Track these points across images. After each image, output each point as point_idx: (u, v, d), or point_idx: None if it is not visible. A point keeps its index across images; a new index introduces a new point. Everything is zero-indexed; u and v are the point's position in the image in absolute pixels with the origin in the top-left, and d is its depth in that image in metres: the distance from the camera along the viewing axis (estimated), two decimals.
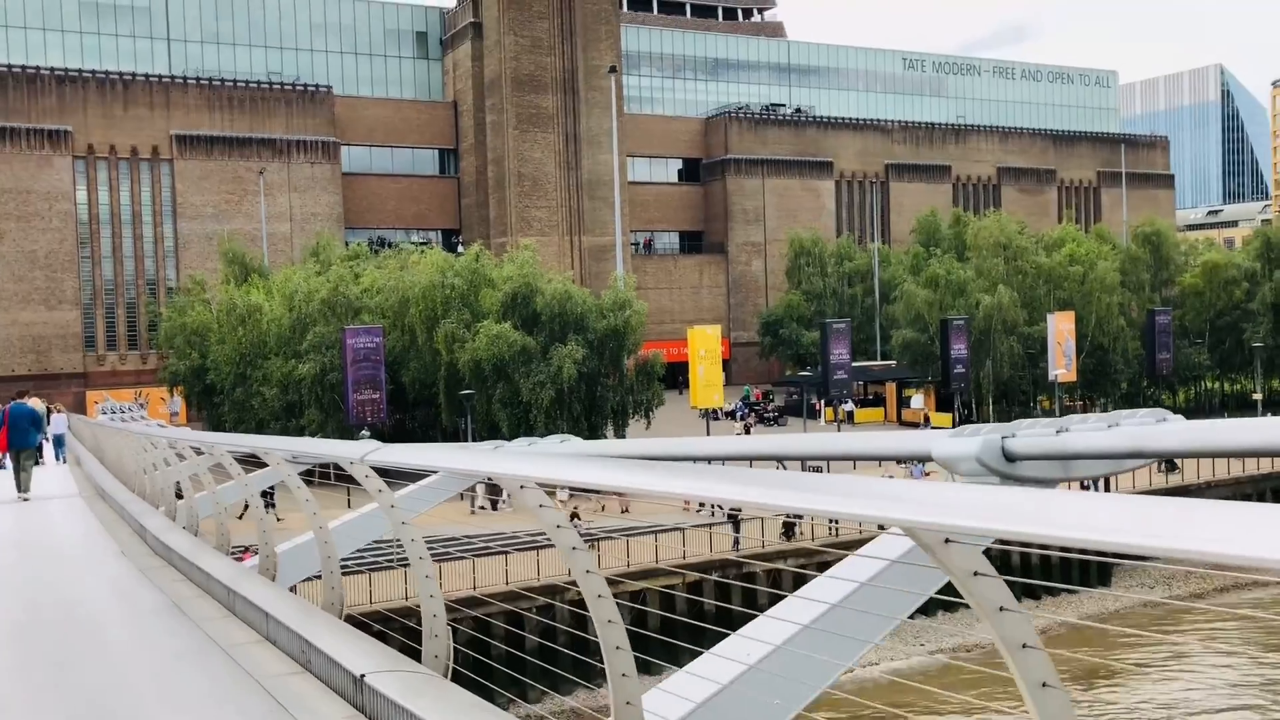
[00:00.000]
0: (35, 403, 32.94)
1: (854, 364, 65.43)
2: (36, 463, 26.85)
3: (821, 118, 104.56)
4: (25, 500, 20.67)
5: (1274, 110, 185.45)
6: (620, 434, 48.10)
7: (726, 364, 75.22)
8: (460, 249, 71.92)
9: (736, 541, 34.85)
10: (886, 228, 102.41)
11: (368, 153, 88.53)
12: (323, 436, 45.25)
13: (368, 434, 43.02)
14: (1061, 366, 60.67)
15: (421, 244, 71.56)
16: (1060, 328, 60.66)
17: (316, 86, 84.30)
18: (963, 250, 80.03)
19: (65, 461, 34.20)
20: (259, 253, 71.22)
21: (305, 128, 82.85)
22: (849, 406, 65.89)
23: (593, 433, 47.09)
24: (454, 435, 52.31)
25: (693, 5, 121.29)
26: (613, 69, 76.56)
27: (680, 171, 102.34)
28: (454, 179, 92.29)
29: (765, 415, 67.70)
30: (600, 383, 46.34)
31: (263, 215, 77.63)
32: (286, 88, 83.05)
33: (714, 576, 33.07)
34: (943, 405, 64.78)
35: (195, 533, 12.86)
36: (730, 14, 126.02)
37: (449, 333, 47.53)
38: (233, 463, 11.11)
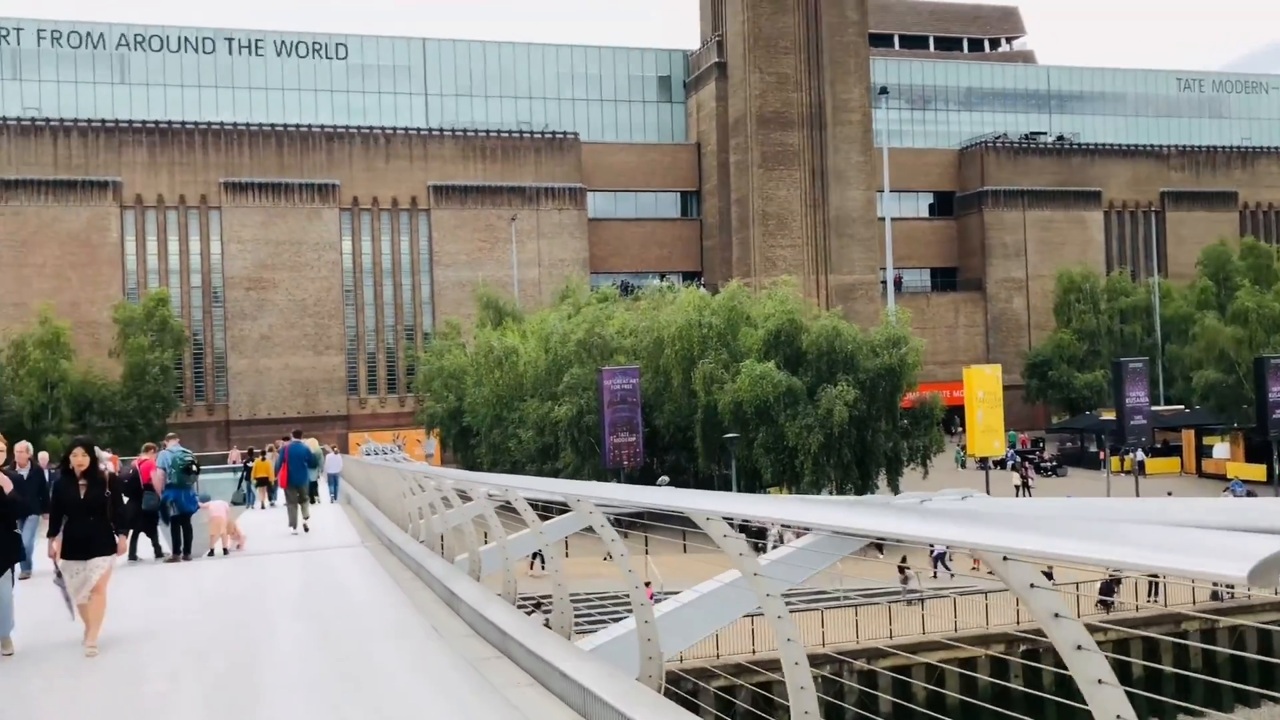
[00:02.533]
0: (312, 443, 33.08)
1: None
2: (311, 500, 27.16)
3: (1087, 145, 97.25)
4: (301, 533, 21.57)
5: None
6: (894, 484, 44.29)
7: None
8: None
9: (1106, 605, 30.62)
10: (1163, 260, 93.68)
11: (612, 197, 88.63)
12: (579, 480, 43.84)
13: (667, 480, 41.06)
14: None
15: (666, 288, 70.22)
16: None
17: (564, 134, 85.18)
18: (1265, 282, 71.57)
19: (336, 499, 34.12)
20: (511, 298, 71.78)
21: (553, 175, 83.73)
22: (1139, 456, 59.20)
23: (864, 482, 43.57)
24: (709, 482, 49.92)
25: (936, 39, 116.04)
26: (884, 90, 73.70)
27: (931, 205, 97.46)
28: (696, 221, 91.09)
29: (1042, 465, 61.84)
30: (871, 426, 42.77)
31: (514, 261, 78.57)
32: (535, 136, 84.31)
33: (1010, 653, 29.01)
34: (1253, 455, 57.13)
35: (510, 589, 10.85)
36: (976, 45, 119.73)
37: (707, 373, 45.27)
38: (527, 508, 9.67)
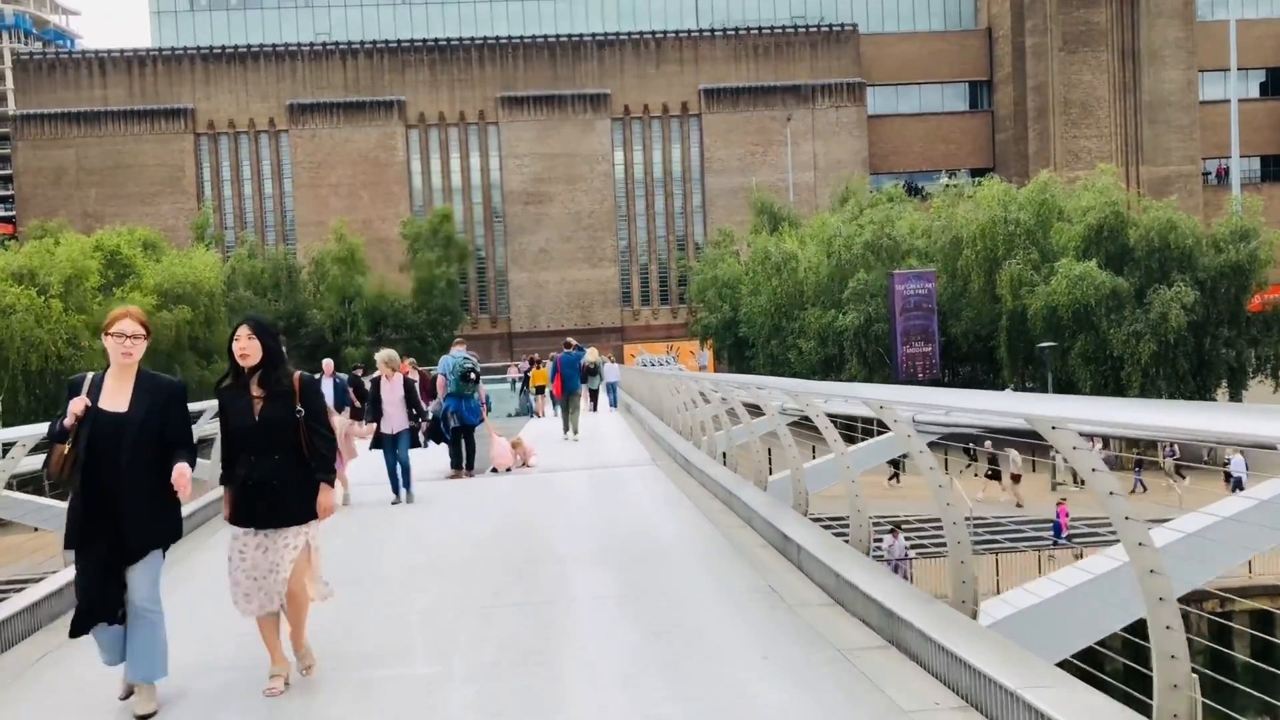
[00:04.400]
0: (592, 353, 32.05)
1: None
2: (593, 405, 28.33)
3: None
4: (572, 439, 21.19)
5: None
6: (1237, 399, 38.56)
7: None
8: None
9: None
10: None
11: (893, 92, 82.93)
12: None
13: (1013, 387, 37.49)
14: None
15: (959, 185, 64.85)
16: None
17: (840, 26, 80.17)
18: None
19: (616, 407, 33.12)
20: (786, 203, 68.62)
21: (830, 71, 79.14)
22: None
23: (1201, 396, 38.12)
24: None
25: None
26: None
27: (1263, 84, 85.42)
28: (987, 113, 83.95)
29: None
30: (1211, 333, 37.13)
31: (789, 164, 75.18)
32: (810, 30, 79.82)
33: None
34: None
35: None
36: None
37: (1014, 276, 40.76)
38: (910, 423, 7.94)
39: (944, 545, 6.00)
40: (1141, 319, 36.45)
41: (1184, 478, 31.10)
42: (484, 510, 12.88)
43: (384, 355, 13.86)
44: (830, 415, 9.62)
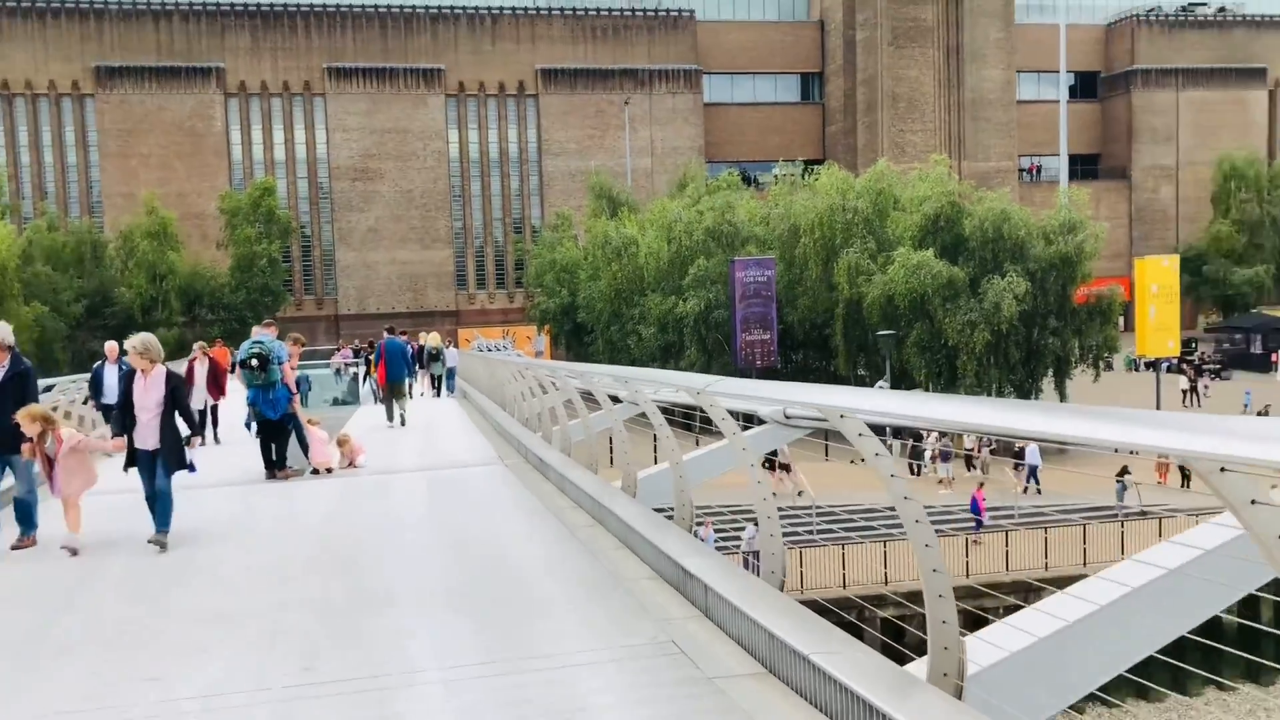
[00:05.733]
0: (434, 337, 30.63)
1: None
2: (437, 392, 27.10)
3: (1252, 16, 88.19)
4: (398, 426, 20.35)
5: None
6: (1061, 388, 39.99)
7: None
8: None
9: None
10: None
11: (729, 81, 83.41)
12: None
13: (886, 384, 37.40)
14: None
15: (794, 174, 65.52)
16: None
17: (679, 12, 79.95)
18: None
19: (454, 393, 31.67)
20: (625, 188, 67.96)
21: (667, 56, 78.89)
22: None
23: (1031, 384, 39.37)
24: (846, 384, 46.13)
25: None
26: None
27: (1072, 87, 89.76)
28: (819, 105, 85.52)
29: (1204, 367, 56.52)
30: (1040, 323, 38.36)
31: (627, 149, 74.58)
32: (648, 15, 79.30)
33: None
34: None
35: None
36: None
37: (852, 264, 41.17)
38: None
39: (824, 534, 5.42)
40: (976, 308, 37.31)
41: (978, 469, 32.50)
42: (297, 529, 10.35)
43: (136, 342, 9.53)
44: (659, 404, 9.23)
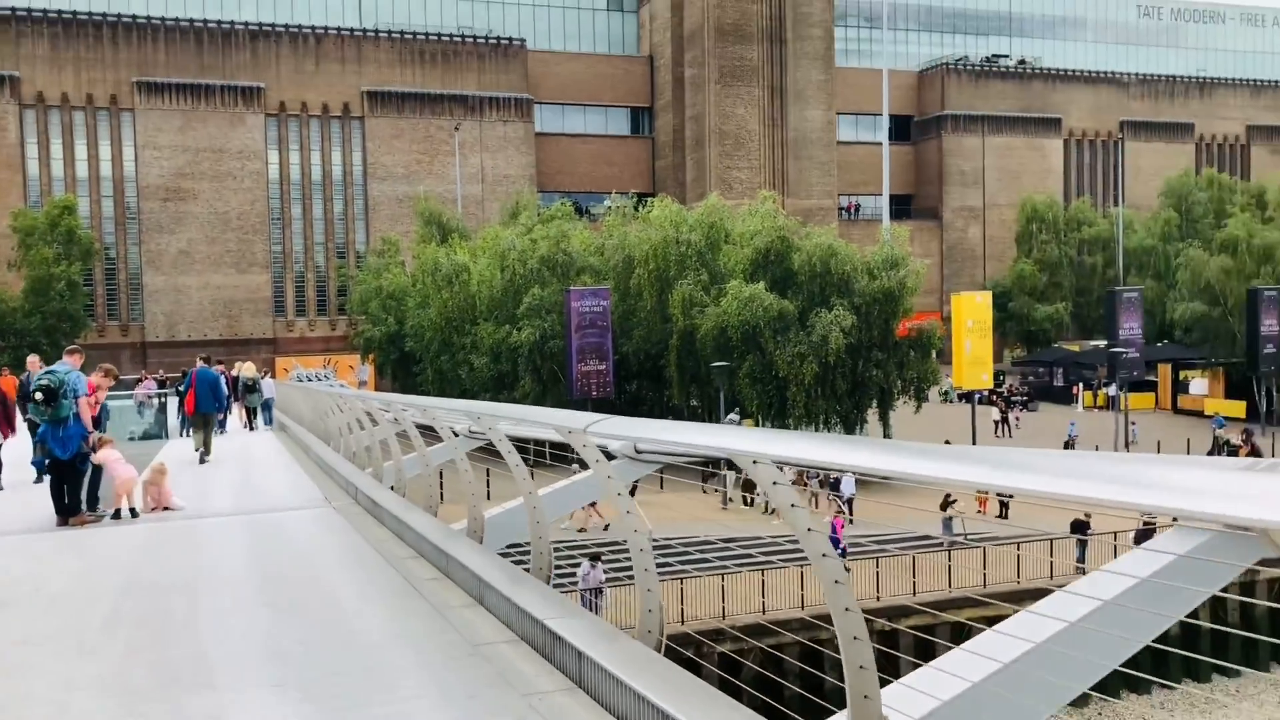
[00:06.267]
0: (249, 367, 29.07)
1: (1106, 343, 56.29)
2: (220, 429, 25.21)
3: (1049, 70, 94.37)
4: (208, 461, 19.33)
5: None
6: (885, 419, 41.10)
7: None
8: None
9: (1082, 557, 27.42)
10: (1119, 191, 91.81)
11: (560, 111, 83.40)
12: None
13: (737, 418, 37.10)
14: None
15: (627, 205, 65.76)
16: None
17: (510, 40, 79.49)
18: (1222, 217, 70.19)
19: (271, 425, 30.07)
20: (455, 214, 66.69)
21: (498, 84, 78.22)
22: (1112, 391, 56.98)
23: (857, 414, 40.28)
24: (680, 415, 46.13)
25: None
26: None
27: (889, 130, 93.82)
28: (649, 139, 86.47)
29: (1012, 399, 59.40)
30: (864, 356, 39.34)
31: (457, 175, 73.35)
32: (479, 41, 78.51)
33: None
34: (1233, 391, 55.26)
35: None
36: None
37: (686, 295, 41.32)
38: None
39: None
40: (805, 341, 37.94)
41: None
42: (92, 587, 8.82)
43: None
44: (518, 439, 8.65)
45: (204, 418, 20.64)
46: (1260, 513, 2.68)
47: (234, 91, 71.58)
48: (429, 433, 11.89)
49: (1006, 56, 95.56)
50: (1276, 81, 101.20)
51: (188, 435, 25.10)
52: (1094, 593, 4.65)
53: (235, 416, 30.22)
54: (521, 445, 9.35)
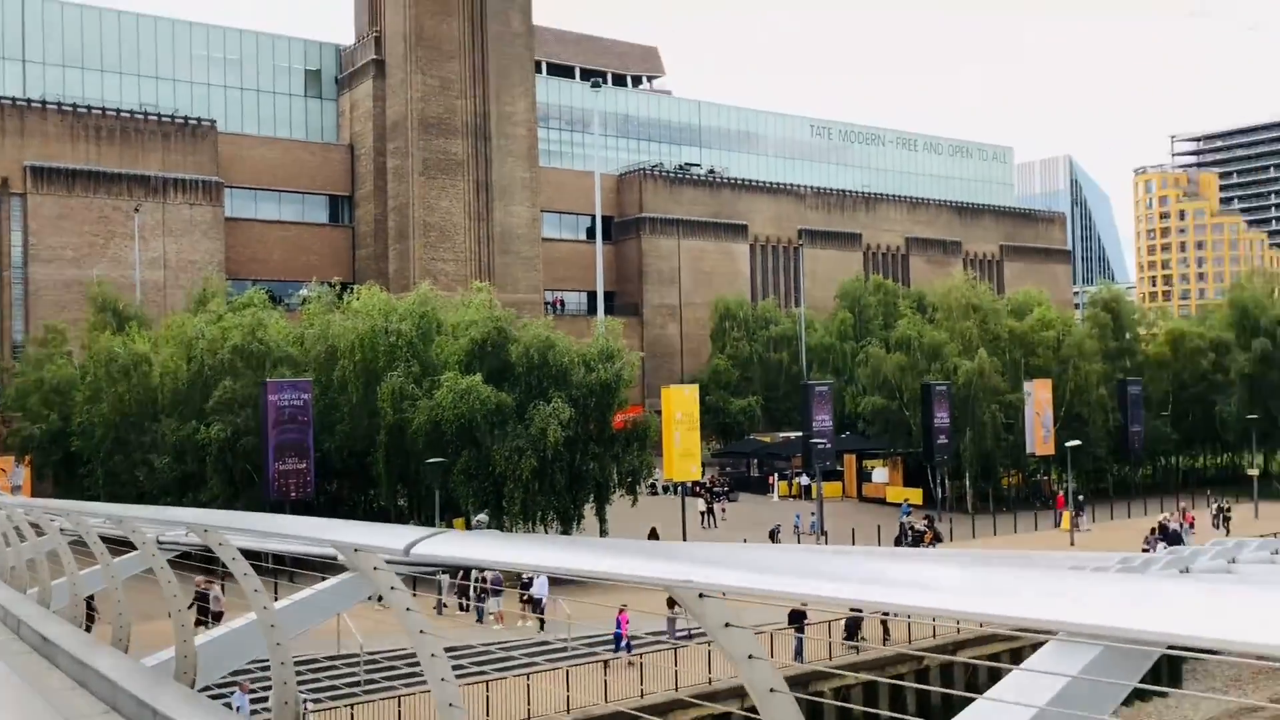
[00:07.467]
0: None
1: (796, 435, 59.63)
2: None
3: (736, 179, 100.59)
4: None
5: (1136, 196, 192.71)
6: (601, 513, 40.71)
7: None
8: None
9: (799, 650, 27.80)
10: (800, 293, 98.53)
11: (253, 196, 79.46)
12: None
13: (486, 520, 34.49)
14: (1040, 438, 56.42)
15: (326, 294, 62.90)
16: (1039, 396, 56.47)
17: (199, 120, 75.08)
18: (890, 318, 76.90)
19: None
20: (133, 301, 61.17)
21: (185, 165, 73.42)
22: (804, 480, 59.94)
23: (575, 509, 39.65)
24: (386, 516, 43.66)
25: (583, 70, 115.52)
26: None
27: (589, 229, 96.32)
28: (349, 228, 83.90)
29: (716, 490, 61.12)
30: (582, 449, 38.96)
31: (136, 259, 67.61)
32: (164, 120, 73.59)
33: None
34: (910, 479, 59.54)
35: None
36: (620, 80, 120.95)
37: (396, 388, 39.48)
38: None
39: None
40: (523, 434, 37.09)
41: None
42: None
43: None
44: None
45: None
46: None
47: None
48: (122, 543, 10.05)
49: (698, 165, 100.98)
50: (928, 199, 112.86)
51: None
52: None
53: None
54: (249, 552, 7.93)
